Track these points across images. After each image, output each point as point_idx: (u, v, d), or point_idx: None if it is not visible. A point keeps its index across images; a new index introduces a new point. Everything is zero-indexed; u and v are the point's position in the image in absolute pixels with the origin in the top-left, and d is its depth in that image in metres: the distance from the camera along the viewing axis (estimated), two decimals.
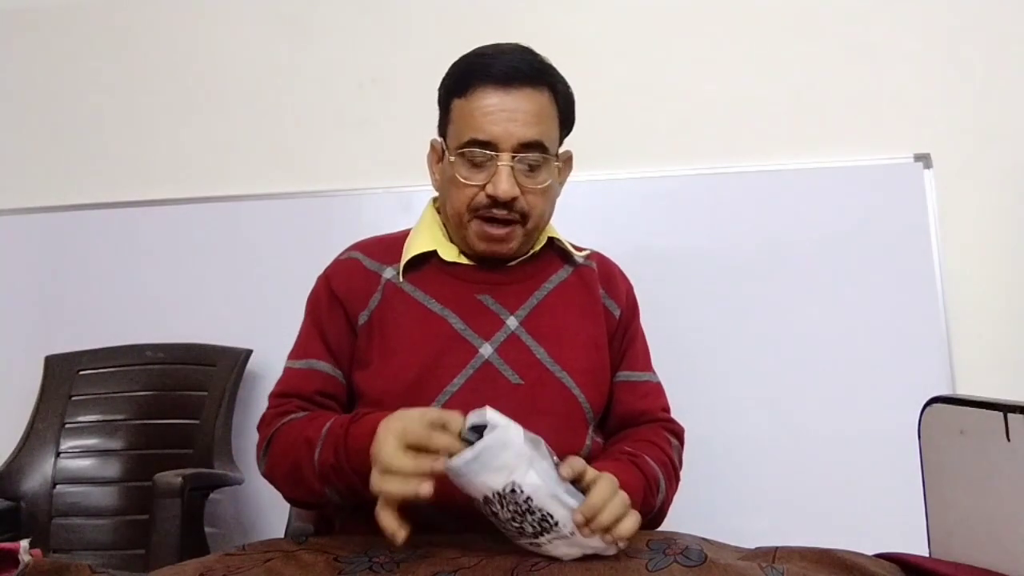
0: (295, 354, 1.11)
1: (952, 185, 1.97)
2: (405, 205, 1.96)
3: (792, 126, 2.05)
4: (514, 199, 1.03)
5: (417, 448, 0.78)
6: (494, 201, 1.03)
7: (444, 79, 1.10)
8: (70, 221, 2.18)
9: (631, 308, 1.19)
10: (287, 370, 1.11)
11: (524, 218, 1.06)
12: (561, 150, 1.13)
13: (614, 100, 2.10)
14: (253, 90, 2.23)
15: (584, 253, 1.18)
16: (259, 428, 1.07)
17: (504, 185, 1.02)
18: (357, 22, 2.21)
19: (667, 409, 1.17)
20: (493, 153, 1.03)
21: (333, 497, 0.95)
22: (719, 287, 1.96)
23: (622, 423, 1.13)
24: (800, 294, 1.94)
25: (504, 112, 1.02)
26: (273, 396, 1.09)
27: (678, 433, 1.15)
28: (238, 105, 2.23)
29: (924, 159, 1.97)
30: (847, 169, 1.98)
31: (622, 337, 1.16)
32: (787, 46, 2.08)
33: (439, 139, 1.13)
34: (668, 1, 2.12)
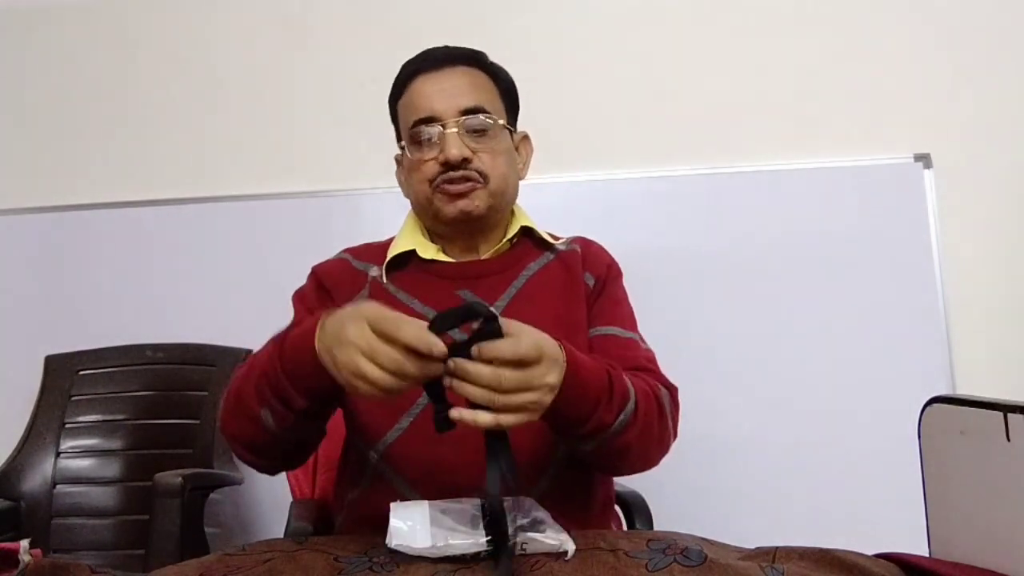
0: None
1: (952, 185, 1.97)
2: (405, 205, 1.94)
3: (792, 126, 2.05)
4: (468, 160, 1.06)
5: (385, 338, 0.76)
6: (447, 165, 1.06)
7: (389, 95, 1.14)
8: (70, 221, 2.18)
9: (610, 276, 1.15)
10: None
11: (484, 178, 1.07)
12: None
13: (614, 100, 2.10)
14: (253, 90, 2.23)
15: (564, 240, 1.17)
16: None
17: (453, 149, 1.05)
18: (357, 22, 2.22)
19: (654, 363, 1.08)
20: (439, 128, 1.06)
21: (267, 420, 0.91)
22: (718, 287, 1.96)
23: None
24: (800, 294, 1.94)
25: (441, 89, 1.07)
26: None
27: (669, 388, 1.05)
28: (238, 105, 2.23)
29: (924, 159, 1.97)
30: (847, 169, 1.99)
31: (596, 299, 1.12)
32: (787, 46, 2.08)
33: (399, 151, 1.16)
34: (668, 2, 2.13)
